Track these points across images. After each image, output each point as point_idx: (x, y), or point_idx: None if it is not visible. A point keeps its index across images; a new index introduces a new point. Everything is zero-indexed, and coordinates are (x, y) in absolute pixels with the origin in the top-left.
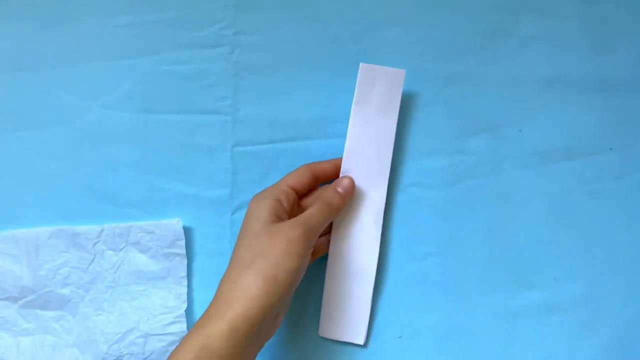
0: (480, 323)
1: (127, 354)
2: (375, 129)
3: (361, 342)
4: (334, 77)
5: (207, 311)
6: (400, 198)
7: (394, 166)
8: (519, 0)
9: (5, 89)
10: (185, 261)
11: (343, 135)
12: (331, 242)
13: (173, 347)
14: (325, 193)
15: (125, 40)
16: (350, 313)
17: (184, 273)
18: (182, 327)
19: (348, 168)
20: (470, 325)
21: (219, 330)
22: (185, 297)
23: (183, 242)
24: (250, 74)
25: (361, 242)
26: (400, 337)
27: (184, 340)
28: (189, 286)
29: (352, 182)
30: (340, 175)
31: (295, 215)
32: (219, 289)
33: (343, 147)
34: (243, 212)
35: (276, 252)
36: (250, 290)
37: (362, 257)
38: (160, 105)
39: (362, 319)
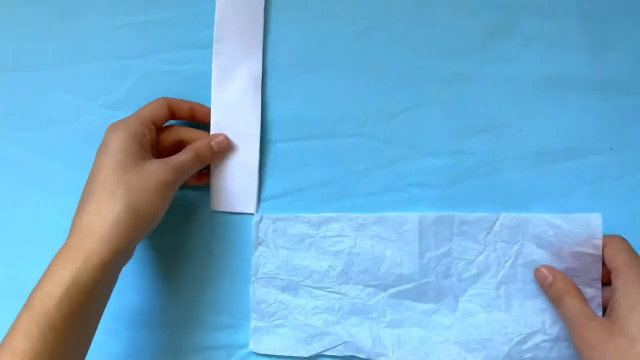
0: None
1: (530, 357)
2: (242, 62)
3: (252, 211)
4: (333, 77)
5: (70, 243)
6: (401, 198)
7: (394, 166)
8: (519, 0)
9: (5, 89)
10: (600, 263)
11: (344, 135)
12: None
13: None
14: (199, 145)
15: (125, 40)
16: (238, 184)
17: (597, 275)
18: None
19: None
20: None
21: (90, 267)
22: (600, 301)
23: (600, 242)
24: None
25: (242, 110)
26: None
27: (49, 274)
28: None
29: (227, 141)
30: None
31: (153, 150)
32: (80, 219)
33: (345, 147)
34: None
35: (148, 190)
36: (119, 225)
37: (244, 125)
38: None
39: (251, 189)
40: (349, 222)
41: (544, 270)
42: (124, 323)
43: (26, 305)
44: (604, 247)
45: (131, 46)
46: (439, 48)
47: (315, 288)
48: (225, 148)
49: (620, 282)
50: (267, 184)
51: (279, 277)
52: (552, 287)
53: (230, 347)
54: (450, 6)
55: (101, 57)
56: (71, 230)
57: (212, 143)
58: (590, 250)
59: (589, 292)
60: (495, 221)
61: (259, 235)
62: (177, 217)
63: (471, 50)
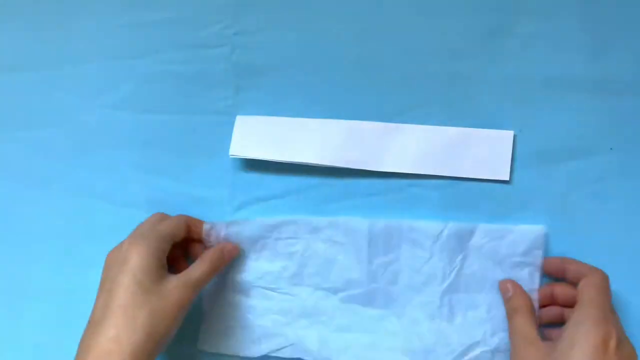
0: None
1: None
2: None
3: None
4: (333, 77)
5: None
6: (400, 198)
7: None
8: (519, 0)
9: (5, 89)
10: (538, 274)
11: None
12: None
13: None
14: (213, 255)
15: (125, 40)
16: None
17: (535, 286)
18: None
19: None
20: None
21: None
22: (536, 312)
23: (540, 252)
24: (250, 74)
25: None
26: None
27: None
28: None
29: (237, 249)
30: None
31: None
32: (98, 343)
33: None
34: (243, 213)
35: (168, 314)
36: (138, 354)
37: None
38: (160, 106)
39: None
40: (303, 225)
41: (507, 284)
42: None
43: None
44: (582, 276)
45: (131, 46)
46: (439, 48)
47: (268, 289)
48: (235, 256)
49: (575, 316)
50: (267, 184)
51: (232, 277)
52: (509, 301)
53: None
54: (450, 6)
55: (101, 57)
56: (84, 353)
57: (225, 252)
58: (530, 260)
59: None
60: (443, 230)
61: (210, 242)
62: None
63: (471, 50)
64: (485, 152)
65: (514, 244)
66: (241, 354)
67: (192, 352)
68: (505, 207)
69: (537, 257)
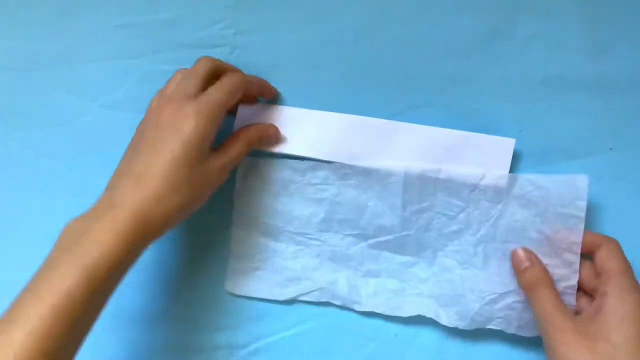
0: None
1: (500, 317)
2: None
3: None
4: (333, 78)
5: (133, 214)
6: None
7: None
8: (519, 0)
9: (5, 89)
10: (582, 226)
11: None
12: None
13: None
14: (251, 135)
15: (125, 40)
16: None
17: (577, 239)
18: (572, 300)
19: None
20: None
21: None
22: (577, 267)
23: (584, 204)
24: (250, 73)
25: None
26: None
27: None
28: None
29: (279, 135)
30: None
31: None
32: (137, 203)
33: None
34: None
35: (204, 192)
36: (171, 221)
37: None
38: None
39: None
40: (334, 170)
41: (521, 254)
42: (124, 323)
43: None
44: (597, 247)
45: (131, 46)
46: (439, 48)
47: (296, 234)
48: (277, 142)
49: (614, 288)
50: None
51: (261, 220)
52: (526, 273)
53: (230, 347)
54: (450, 6)
55: (101, 57)
56: (123, 206)
57: (263, 134)
58: (573, 212)
59: (568, 257)
60: (481, 179)
61: (244, 176)
62: None
63: (471, 50)
64: (485, 157)
65: (556, 194)
66: (268, 297)
67: (219, 293)
68: None
69: (581, 208)
